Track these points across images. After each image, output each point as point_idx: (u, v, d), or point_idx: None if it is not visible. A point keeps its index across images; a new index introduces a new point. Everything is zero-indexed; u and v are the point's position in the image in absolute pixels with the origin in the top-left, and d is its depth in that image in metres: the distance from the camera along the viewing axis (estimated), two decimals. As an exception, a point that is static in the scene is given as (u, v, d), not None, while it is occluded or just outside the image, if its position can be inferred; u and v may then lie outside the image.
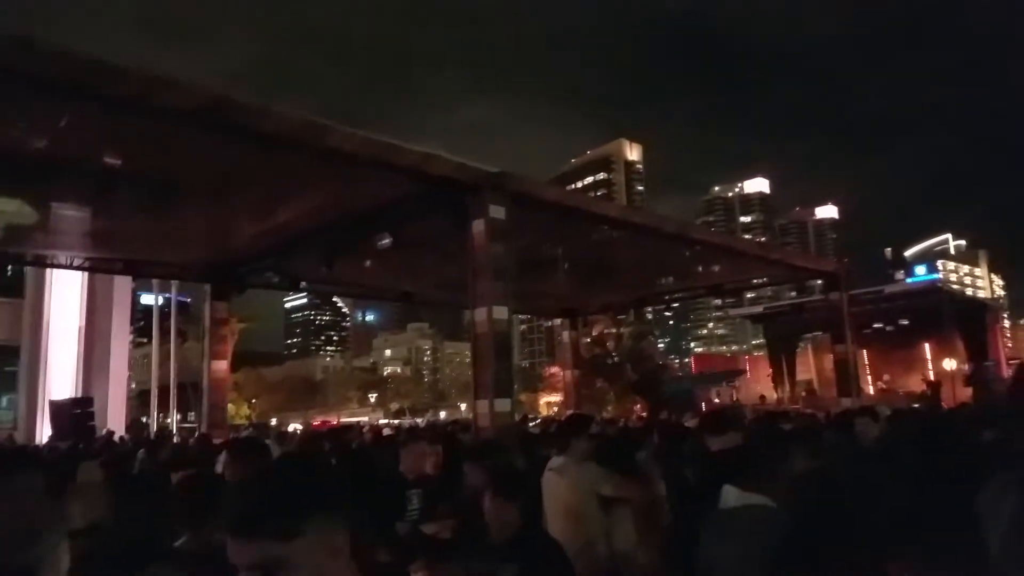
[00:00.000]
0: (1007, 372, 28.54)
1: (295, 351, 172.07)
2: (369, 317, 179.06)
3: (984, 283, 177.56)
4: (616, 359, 44.82)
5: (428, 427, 18.25)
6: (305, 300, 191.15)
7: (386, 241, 9.60)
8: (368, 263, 12.07)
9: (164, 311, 29.76)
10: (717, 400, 31.46)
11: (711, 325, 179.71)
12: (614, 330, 46.72)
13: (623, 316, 46.70)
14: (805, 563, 1.79)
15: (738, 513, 2.58)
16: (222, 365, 14.10)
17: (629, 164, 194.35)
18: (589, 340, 41.10)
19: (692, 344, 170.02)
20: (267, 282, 14.89)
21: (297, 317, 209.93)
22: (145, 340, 40.80)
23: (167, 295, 28.87)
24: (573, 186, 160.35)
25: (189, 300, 33.61)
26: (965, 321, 27.43)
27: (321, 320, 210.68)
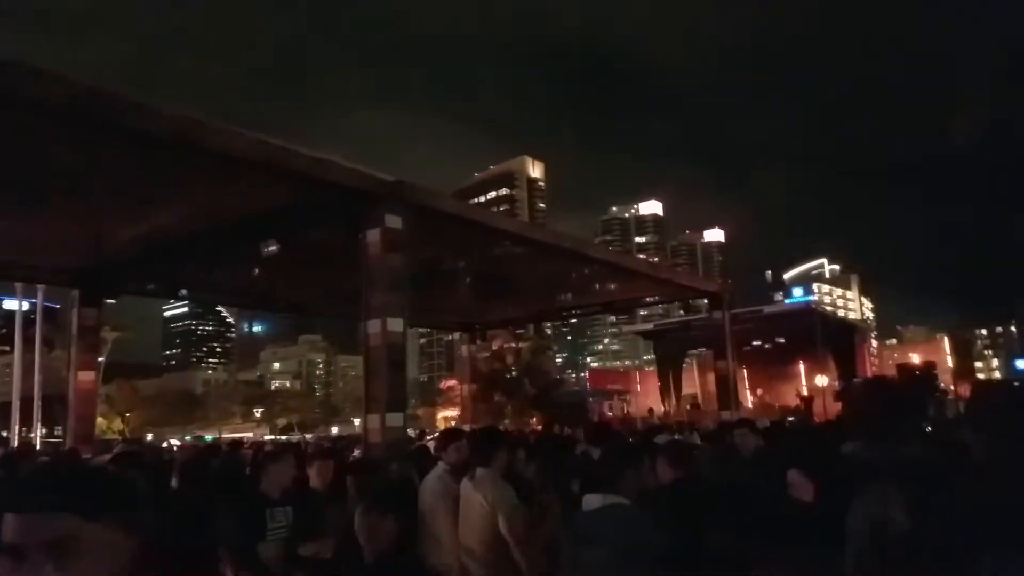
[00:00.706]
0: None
1: (174, 363, 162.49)
2: (256, 328, 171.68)
3: (855, 305, 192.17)
4: (514, 373, 45.17)
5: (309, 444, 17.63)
6: (186, 309, 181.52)
7: (272, 248, 9.21)
8: (256, 271, 11.55)
9: (29, 317, 27.51)
10: (610, 413, 32.34)
11: (606, 341, 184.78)
12: (513, 344, 47.11)
13: (522, 331, 47.19)
14: (670, 563, 1.83)
15: (600, 514, 2.69)
16: (90, 376, 13.14)
17: (532, 181, 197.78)
18: (488, 354, 41.22)
19: (588, 359, 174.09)
20: (143, 289, 13.99)
21: (177, 327, 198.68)
22: (7, 348, 37.50)
23: (32, 300, 26.63)
24: (477, 200, 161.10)
25: (58, 306, 31.15)
26: (836, 340, 29.50)
27: (203, 330, 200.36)
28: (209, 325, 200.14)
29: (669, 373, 32.04)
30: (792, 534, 2.12)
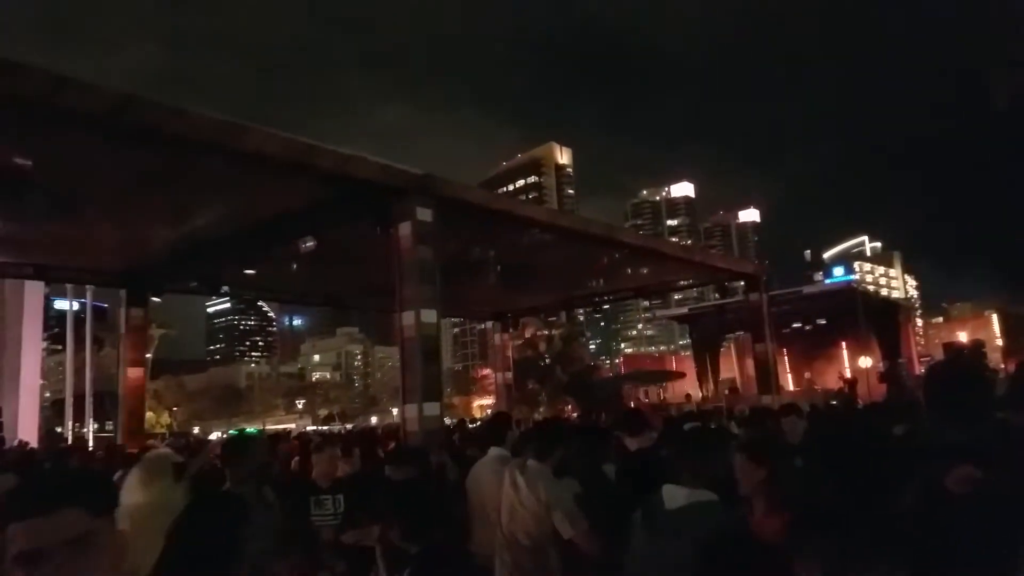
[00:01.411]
0: (919, 369, 30.32)
1: (218, 357, 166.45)
2: (296, 322, 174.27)
3: (898, 283, 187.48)
4: (547, 361, 45.28)
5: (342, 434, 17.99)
6: (228, 305, 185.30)
7: (310, 244, 9.41)
8: (293, 267, 11.79)
9: (80, 317, 28.36)
10: (646, 399, 32.22)
11: (640, 326, 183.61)
12: (545, 332, 47.19)
13: (554, 318, 47.23)
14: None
15: (686, 511, 2.58)
16: (138, 372, 13.64)
17: (559, 167, 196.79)
18: (521, 342, 41.38)
19: (622, 345, 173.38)
20: (186, 287, 14.39)
21: (220, 322, 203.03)
22: (60, 347, 38.79)
23: (83, 300, 27.50)
24: (504, 189, 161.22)
25: (106, 306, 32.10)
26: (879, 320, 28.86)
27: (246, 325, 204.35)
28: (251, 320, 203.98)
29: (706, 357, 31.74)
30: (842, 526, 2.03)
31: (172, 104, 6.77)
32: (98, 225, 9.99)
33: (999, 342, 44.91)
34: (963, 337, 32.85)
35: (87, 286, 21.61)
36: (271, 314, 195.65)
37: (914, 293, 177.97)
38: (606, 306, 22.58)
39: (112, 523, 1.29)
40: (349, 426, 47.24)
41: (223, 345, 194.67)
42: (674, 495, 2.67)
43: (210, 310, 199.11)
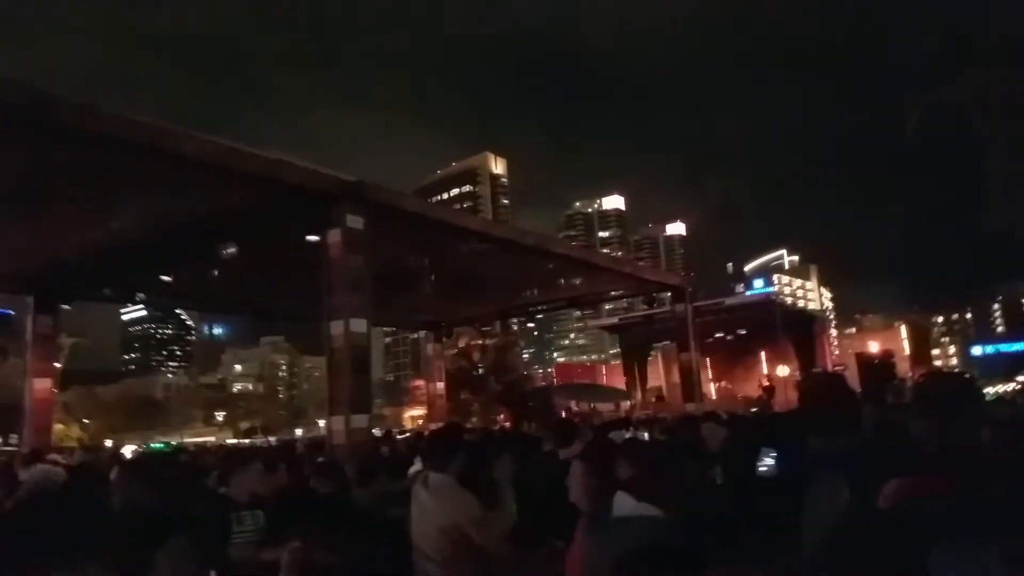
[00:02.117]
0: (830, 377, 31.65)
1: (133, 367, 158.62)
2: (217, 330, 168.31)
3: (815, 295, 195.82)
4: (481, 371, 45.17)
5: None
6: (144, 312, 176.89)
7: (231, 250, 9.08)
8: (215, 273, 11.35)
9: (-22, 325, 26.57)
10: (576, 408, 32.53)
11: (572, 336, 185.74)
12: (479, 342, 47.09)
13: (488, 328, 47.21)
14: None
15: (629, 521, 2.61)
16: (46, 383, 12.85)
17: (494, 177, 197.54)
18: (454, 352, 41.15)
19: (555, 354, 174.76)
20: (99, 294, 13.66)
21: (136, 331, 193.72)
22: (-44, 358, 36.15)
23: (-18, 307, 25.78)
24: (439, 197, 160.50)
25: (12, 313, 30.20)
26: (796, 331, 30.14)
27: (163, 334, 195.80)
28: (168, 329, 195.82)
29: (635, 366, 32.39)
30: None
31: (87, 103, 6.42)
32: (5, 227, 9.36)
33: (907, 351, 47.59)
34: (874, 347, 34.63)
35: (-11, 292, 20.19)
36: (190, 322, 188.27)
37: (829, 305, 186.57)
38: (540, 316, 22.73)
39: None
40: (273, 439, 45.81)
41: (139, 354, 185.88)
42: (623, 503, 2.69)
43: (125, 318, 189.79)
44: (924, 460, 2.07)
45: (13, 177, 7.60)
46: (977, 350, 53.23)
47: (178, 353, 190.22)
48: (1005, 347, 50.28)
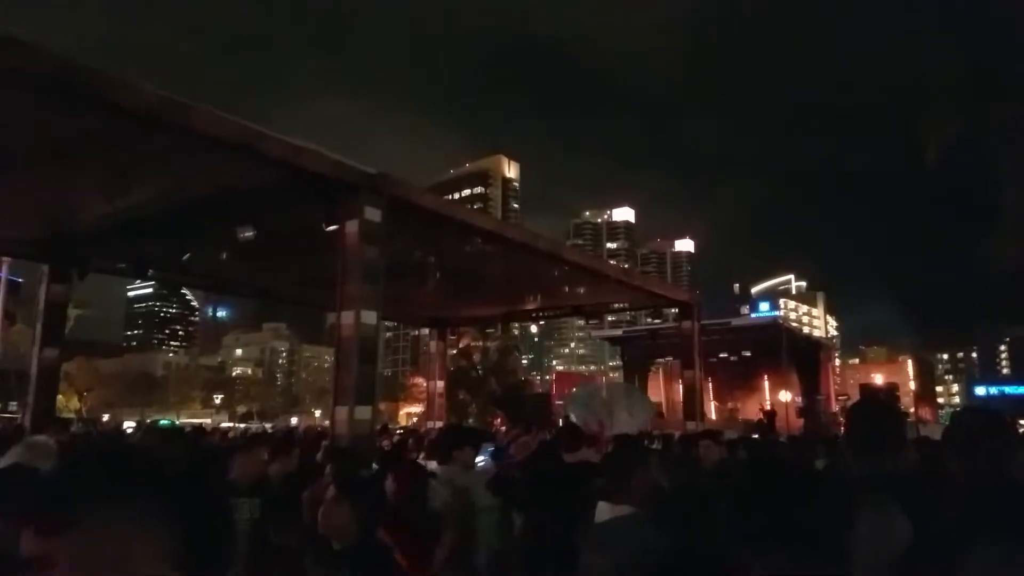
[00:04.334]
0: (835, 406, 31.58)
1: (135, 343, 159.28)
2: (221, 313, 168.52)
3: (820, 323, 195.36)
4: (480, 372, 45.17)
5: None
6: (150, 290, 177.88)
7: (249, 234, 9.09)
8: (226, 255, 11.36)
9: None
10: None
11: (573, 344, 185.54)
12: (480, 343, 47.10)
13: (491, 330, 47.22)
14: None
15: (610, 525, 2.72)
16: (54, 353, 12.79)
17: (506, 180, 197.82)
18: (456, 352, 41.18)
19: (554, 362, 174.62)
20: (113, 267, 13.68)
21: (140, 307, 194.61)
22: (-36, 322, 36.32)
23: (-4, 273, 25.88)
24: (451, 197, 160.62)
25: (21, 280, 30.36)
26: (801, 357, 30.01)
27: (167, 312, 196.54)
28: (173, 308, 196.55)
29: (635, 380, 32.28)
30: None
31: (117, 74, 6.45)
32: (25, 193, 9.39)
33: (912, 385, 47.40)
34: (879, 379, 34.44)
35: (3, 258, 20.23)
36: (194, 303, 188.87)
37: (834, 333, 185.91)
38: (542, 321, 22.74)
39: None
40: (268, 425, 45.82)
41: (141, 331, 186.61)
42: (602, 510, 2.82)
43: (131, 294, 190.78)
44: (957, 491, 2.06)
45: (38, 140, 7.64)
46: (981, 390, 52.96)
47: (180, 333, 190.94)
48: (1010, 389, 49.99)
